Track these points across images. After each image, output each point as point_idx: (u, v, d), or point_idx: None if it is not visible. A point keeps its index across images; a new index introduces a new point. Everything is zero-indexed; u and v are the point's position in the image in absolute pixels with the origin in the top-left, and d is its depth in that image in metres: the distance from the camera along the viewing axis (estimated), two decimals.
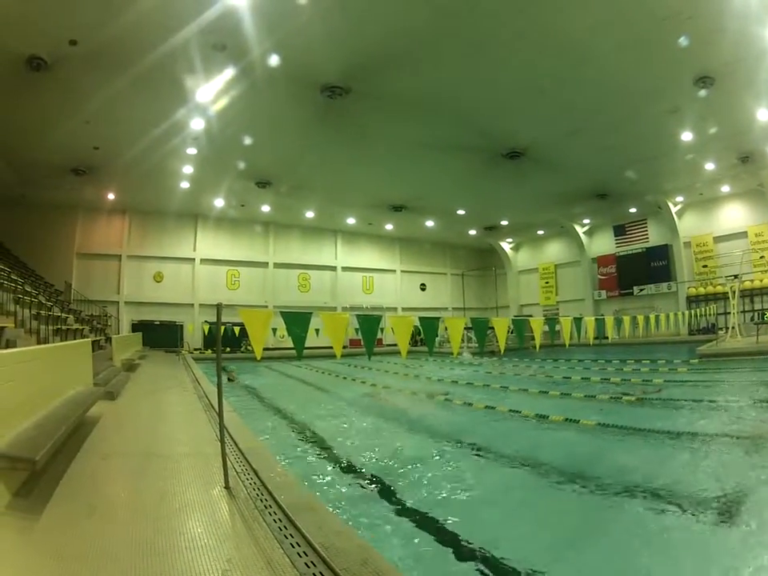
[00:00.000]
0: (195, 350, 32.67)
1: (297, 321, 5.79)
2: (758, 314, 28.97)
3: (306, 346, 5.79)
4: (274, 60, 15.70)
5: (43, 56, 15.14)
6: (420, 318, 7.40)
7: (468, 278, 48.25)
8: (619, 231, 39.34)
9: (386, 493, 6.20)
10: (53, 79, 16.28)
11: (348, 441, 9.43)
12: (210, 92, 17.47)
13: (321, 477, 6.95)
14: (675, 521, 4.95)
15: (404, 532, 4.99)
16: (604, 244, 40.62)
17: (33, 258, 27.57)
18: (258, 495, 4.55)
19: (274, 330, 13.65)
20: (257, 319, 5.60)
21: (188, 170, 25.44)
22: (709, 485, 5.90)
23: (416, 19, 14.35)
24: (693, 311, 28.07)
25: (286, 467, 6.04)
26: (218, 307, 5.00)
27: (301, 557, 3.28)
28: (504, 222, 40.01)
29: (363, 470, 7.22)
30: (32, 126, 19.65)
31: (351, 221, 38.62)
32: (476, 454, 8.13)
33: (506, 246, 47.00)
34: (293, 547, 3.42)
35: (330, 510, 4.60)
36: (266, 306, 35.47)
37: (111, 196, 29.64)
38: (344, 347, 6.55)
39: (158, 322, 34.09)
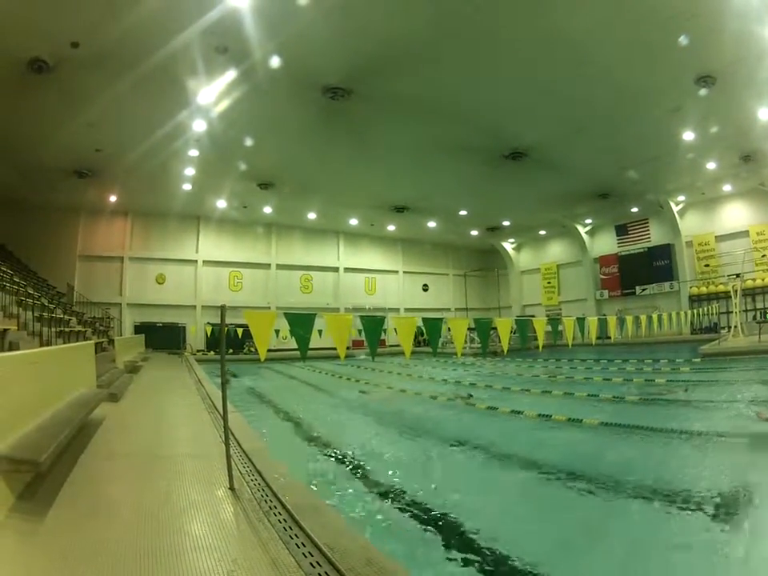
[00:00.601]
0: (198, 351, 32.68)
1: (301, 322, 5.79)
2: (760, 313, 29.00)
3: (316, 347, 5.79)
4: (275, 62, 15.70)
5: (45, 58, 15.16)
6: (423, 319, 7.40)
7: (470, 279, 48.24)
8: (621, 231, 39.35)
9: None
10: (55, 81, 16.31)
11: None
12: (212, 94, 17.48)
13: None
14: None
15: None
16: (606, 244, 40.62)
17: (35, 261, 27.58)
18: (262, 496, 4.55)
19: (277, 331, 13.70)
20: (261, 321, 5.61)
21: (190, 171, 25.46)
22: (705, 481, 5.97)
23: (418, 21, 14.37)
24: (695, 310, 28.06)
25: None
26: (222, 309, 5.01)
27: (306, 557, 3.28)
28: (506, 223, 40.02)
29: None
30: (34, 128, 19.68)
31: (353, 222, 38.65)
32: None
33: (508, 246, 47.04)
34: (298, 547, 3.42)
35: (334, 510, 4.57)
36: (269, 308, 35.45)
37: (113, 198, 29.63)
38: (347, 348, 6.56)
39: (160, 324, 34.14)
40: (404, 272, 45.49)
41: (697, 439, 8.02)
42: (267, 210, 33.89)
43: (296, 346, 5.81)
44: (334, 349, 6.36)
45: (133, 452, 6.40)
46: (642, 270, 37.34)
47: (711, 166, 27.30)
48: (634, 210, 36.41)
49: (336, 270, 42.12)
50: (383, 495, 6.12)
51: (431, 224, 38.74)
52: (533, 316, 30.52)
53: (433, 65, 16.72)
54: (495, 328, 9.99)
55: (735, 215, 33.20)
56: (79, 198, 28.76)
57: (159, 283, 35.27)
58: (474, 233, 42.37)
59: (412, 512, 5.52)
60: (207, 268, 36.98)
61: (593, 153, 24.97)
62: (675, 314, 23.28)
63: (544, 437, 9.15)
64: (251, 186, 28.41)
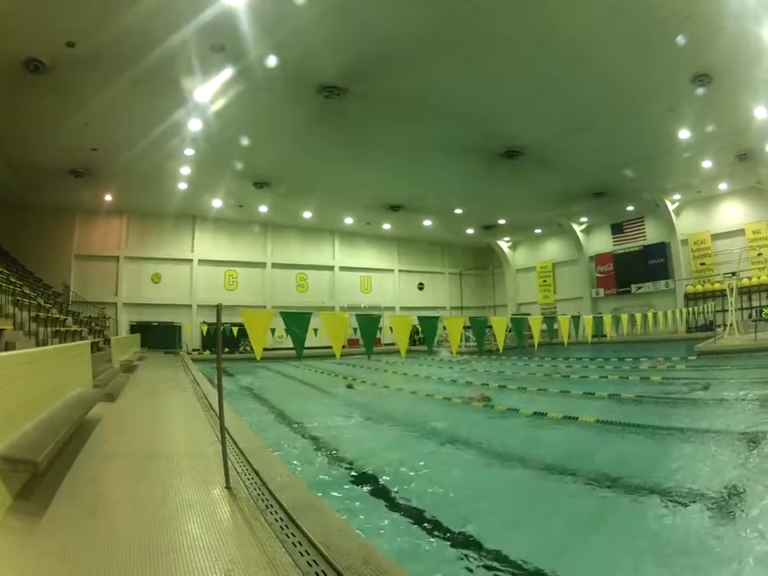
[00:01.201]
0: (194, 350, 32.66)
1: (296, 321, 5.81)
2: (756, 311, 29.23)
3: (312, 346, 5.81)
4: (271, 61, 15.69)
5: (41, 58, 15.15)
6: (419, 318, 7.42)
7: (466, 277, 48.42)
8: (617, 229, 39.50)
9: None
10: (51, 81, 16.29)
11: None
12: (208, 93, 17.49)
13: None
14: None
15: None
16: (602, 242, 40.78)
17: (31, 260, 27.54)
18: (259, 495, 4.56)
19: (273, 330, 13.72)
20: (257, 320, 5.62)
21: (186, 171, 25.44)
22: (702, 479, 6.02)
23: (415, 20, 14.39)
24: (691, 309, 28.13)
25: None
26: (218, 308, 5.02)
27: (303, 556, 3.29)
28: (502, 221, 40.08)
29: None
30: (31, 128, 19.67)
31: (349, 221, 38.70)
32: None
33: (504, 244, 47.14)
34: (294, 546, 3.44)
35: (331, 509, 4.59)
36: (264, 307, 35.48)
37: (109, 198, 29.61)
38: (342, 347, 6.59)
39: (156, 323, 34.10)
40: (399, 270, 45.54)
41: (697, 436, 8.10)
42: (263, 209, 33.96)
43: (291, 345, 5.82)
44: (330, 347, 6.40)
45: (130, 452, 6.41)
46: (638, 269, 37.49)
47: (707, 164, 27.38)
48: (630, 208, 36.59)
49: (331, 268, 42.15)
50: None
51: (427, 222, 38.79)
52: (528, 314, 30.52)
53: (429, 64, 16.75)
54: (491, 326, 9.97)
55: (731, 214, 33.30)
56: (75, 197, 28.73)
57: (155, 282, 35.25)
58: (470, 231, 42.43)
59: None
60: (203, 267, 36.95)
61: (589, 151, 25.02)
62: (671, 313, 23.31)
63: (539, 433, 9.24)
64: (247, 185, 28.41)
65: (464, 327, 10.11)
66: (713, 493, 5.51)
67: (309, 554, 3.31)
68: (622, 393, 12.19)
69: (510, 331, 12.29)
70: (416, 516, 5.39)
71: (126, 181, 26.57)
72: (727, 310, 25.68)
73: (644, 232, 37.97)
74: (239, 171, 25.88)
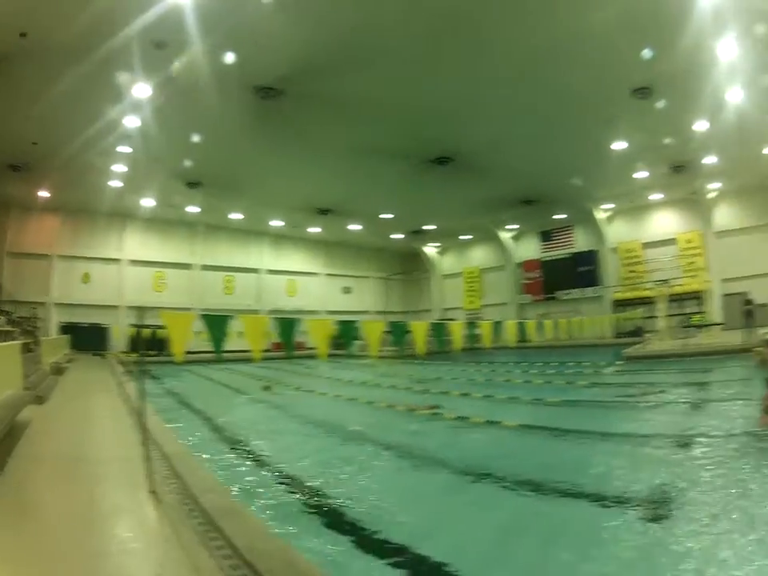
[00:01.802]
0: (121, 353, 31.94)
1: (215, 323, 5.90)
2: (686, 318, 30.30)
3: (235, 349, 5.87)
4: (211, 60, 15.64)
5: None
6: (339, 322, 7.53)
7: (392, 282, 48.80)
8: (545, 237, 40.56)
9: None
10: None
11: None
12: (147, 90, 17.24)
13: None
14: None
15: None
16: (529, 249, 41.79)
17: None
18: (182, 499, 4.65)
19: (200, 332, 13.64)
20: (178, 321, 5.66)
21: (120, 168, 24.91)
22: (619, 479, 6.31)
23: (351, 25, 14.60)
24: (619, 315, 28.82)
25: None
26: (139, 311, 5.10)
27: (226, 559, 3.36)
28: (430, 227, 40.42)
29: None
30: None
31: (278, 223, 38.54)
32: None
33: (431, 250, 47.78)
34: (218, 550, 3.50)
35: (252, 513, 4.74)
36: (191, 309, 34.88)
37: (44, 194, 28.78)
38: (267, 350, 6.69)
39: (85, 324, 33.18)
40: (326, 274, 45.60)
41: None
42: (194, 209, 33.50)
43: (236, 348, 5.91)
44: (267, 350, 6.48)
45: (58, 455, 6.43)
46: (566, 275, 38.53)
47: (642, 175, 28.30)
48: (560, 216, 37.45)
49: (259, 271, 41.92)
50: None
51: (355, 227, 38.92)
52: (453, 319, 30.83)
53: (365, 69, 16.92)
54: (410, 331, 10.18)
55: (663, 223, 34.74)
56: (11, 192, 27.98)
57: (84, 282, 34.36)
58: (398, 236, 42.73)
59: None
60: (132, 268, 36.32)
61: (521, 160, 25.47)
62: (599, 318, 23.97)
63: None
64: (179, 185, 28.05)
65: (385, 332, 10.22)
66: (637, 495, 5.67)
67: (232, 558, 3.38)
68: (546, 397, 12.44)
69: (431, 336, 12.50)
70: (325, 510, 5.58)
71: (63, 176, 25.90)
72: (657, 317, 26.37)
73: (573, 240, 39.05)
74: (172, 170, 25.60)
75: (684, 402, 11.08)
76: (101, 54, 14.90)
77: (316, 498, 6.04)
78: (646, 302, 32.08)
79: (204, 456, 7.70)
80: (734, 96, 18.97)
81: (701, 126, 21.59)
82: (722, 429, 8.25)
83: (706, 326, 27.51)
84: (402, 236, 42.70)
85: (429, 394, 14.58)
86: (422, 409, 11.45)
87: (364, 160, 24.78)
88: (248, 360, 22.47)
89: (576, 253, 38.67)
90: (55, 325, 32.62)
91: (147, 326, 18.15)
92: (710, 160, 26.22)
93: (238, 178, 27.53)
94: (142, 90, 17.29)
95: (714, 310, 30.85)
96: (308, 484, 6.61)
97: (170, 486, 5.07)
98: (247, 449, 8.62)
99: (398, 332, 9.66)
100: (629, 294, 34.83)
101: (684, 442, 7.67)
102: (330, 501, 5.95)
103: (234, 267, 40.53)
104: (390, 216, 36.11)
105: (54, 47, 14.79)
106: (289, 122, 20.51)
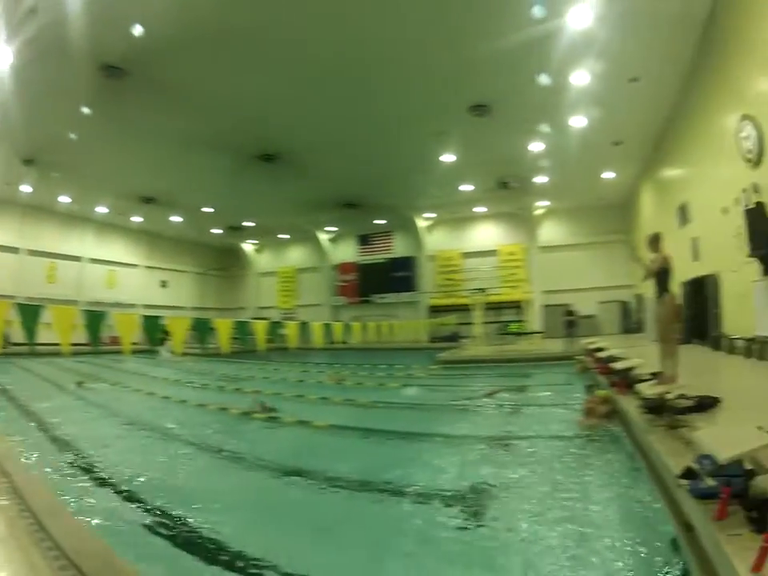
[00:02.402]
0: None
1: (27, 313, 5.51)
2: (504, 325, 32.16)
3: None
4: (54, 31, 14.16)
5: None
6: (144, 317, 7.33)
7: (210, 278, 47.75)
8: (364, 241, 41.33)
9: None
10: None
11: None
12: None
13: None
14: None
15: None
16: (347, 252, 42.38)
17: None
18: (12, 499, 4.33)
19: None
20: None
21: None
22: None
23: (198, 10, 13.91)
24: (435, 320, 29.94)
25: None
26: None
27: (56, 560, 3.19)
28: (249, 223, 39.89)
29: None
30: None
31: (103, 210, 35.55)
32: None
33: (249, 247, 47.22)
34: (49, 551, 3.31)
35: (74, 513, 4.55)
36: (14, 297, 31.54)
37: None
38: (104, 344, 6.35)
39: None
40: (145, 266, 43.12)
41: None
42: (26, 188, 29.98)
43: (56, 341, 5.47)
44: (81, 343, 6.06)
45: None
46: (382, 280, 39.44)
47: (467, 188, 29.49)
48: (381, 222, 38.18)
49: (81, 259, 38.51)
50: None
51: (176, 218, 37.39)
52: (267, 318, 30.66)
53: (203, 57, 16.18)
54: (214, 328, 9.99)
55: (486, 235, 36.69)
56: None
57: None
58: (217, 231, 41.85)
59: None
60: None
61: (348, 163, 25.66)
62: (415, 323, 24.66)
63: None
64: (14, 161, 25.22)
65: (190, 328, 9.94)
66: (445, 492, 5.69)
67: (60, 559, 3.20)
68: (357, 398, 12.47)
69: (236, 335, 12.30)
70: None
71: None
72: (473, 323, 27.59)
73: (392, 245, 40.15)
74: (8, 144, 22.91)
75: (497, 406, 11.26)
76: None
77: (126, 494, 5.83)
78: (463, 308, 33.04)
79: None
80: (573, 122, 20.32)
81: (536, 146, 22.92)
82: (534, 430, 8.55)
83: (526, 333, 29.26)
84: (221, 231, 41.69)
85: (240, 393, 14.00)
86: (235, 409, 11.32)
87: (192, 151, 23.67)
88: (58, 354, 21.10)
89: (394, 258, 39.74)
90: None
91: None
92: (541, 180, 28.02)
93: (74, 158, 25.01)
94: None
95: (534, 319, 32.94)
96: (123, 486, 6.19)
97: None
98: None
99: (202, 329, 9.39)
100: (445, 301, 36.27)
101: (496, 444, 7.79)
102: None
103: (57, 254, 36.77)
104: (211, 210, 35.04)
105: None
106: (128, 105, 19.06)
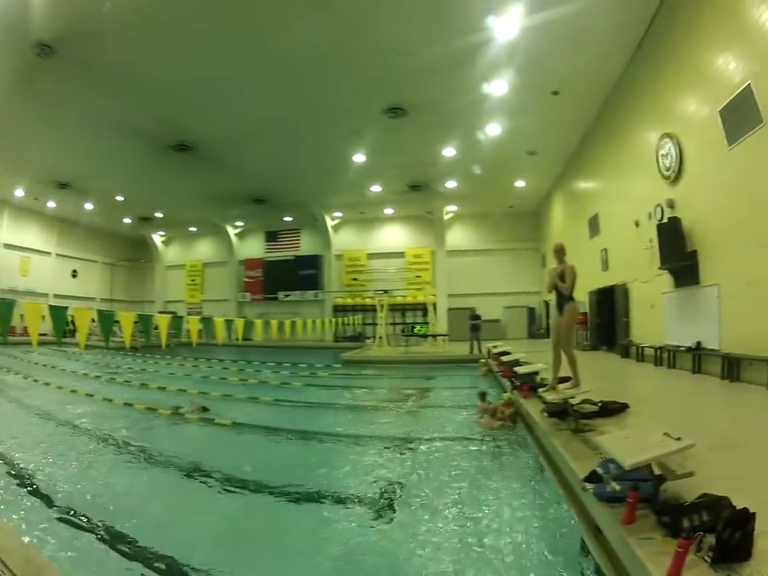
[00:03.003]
0: None
1: None
2: (409, 327, 32.23)
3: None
4: None
5: None
6: (49, 307, 7.13)
7: (119, 269, 45.86)
8: (271, 237, 40.73)
9: None
10: None
11: None
12: None
13: None
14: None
15: None
16: (254, 248, 41.61)
17: None
18: None
19: None
20: None
21: None
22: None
23: None
24: (339, 320, 29.84)
25: None
26: None
27: None
28: (159, 214, 38.77)
29: None
30: None
31: (20, 193, 33.51)
32: None
33: (158, 238, 45.62)
34: None
35: None
36: None
37: None
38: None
39: None
40: (57, 254, 40.74)
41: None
42: None
43: None
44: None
45: None
46: (288, 277, 38.94)
47: (377, 189, 29.43)
48: (288, 218, 37.86)
49: None
50: None
51: (88, 206, 35.58)
52: (174, 313, 29.85)
53: (128, 42, 15.45)
54: (118, 321, 9.70)
55: (394, 236, 36.73)
56: None
57: None
58: (127, 221, 40.31)
59: None
60: None
61: (260, 158, 25.29)
62: (320, 322, 24.53)
63: None
64: None
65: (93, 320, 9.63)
66: (351, 492, 5.77)
67: None
68: (261, 396, 12.43)
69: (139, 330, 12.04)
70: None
71: None
72: (378, 324, 27.58)
73: (299, 243, 39.74)
74: None
75: (398, 407, 11.35)
76: None
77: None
78: (367, 309, 33.13)
79: None
80: (490, 130, 20.54)
81: (449, 152, 23.10)
82: (435, 430, 8.69)
83: (431, 336, 29.48)
84: (130, 221, 40.19)
85: (147, 389, 13.93)
86: (141, 405, 10.96)
87: (109, 136, 22.47)
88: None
89: (300, 256, 39.37)
90: None
91: None
92: (451, 184, 28.39)
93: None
94: None
95: (440, 322, 32.96)
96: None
97: None
98: None
99: (105, 322, 9.02)
100: (350, 300, 36.21)
101: (391, 444, 7.89)
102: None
103: None
104: (122, 198, 33.74)
105: None
106: (55, 86, 18.02)
